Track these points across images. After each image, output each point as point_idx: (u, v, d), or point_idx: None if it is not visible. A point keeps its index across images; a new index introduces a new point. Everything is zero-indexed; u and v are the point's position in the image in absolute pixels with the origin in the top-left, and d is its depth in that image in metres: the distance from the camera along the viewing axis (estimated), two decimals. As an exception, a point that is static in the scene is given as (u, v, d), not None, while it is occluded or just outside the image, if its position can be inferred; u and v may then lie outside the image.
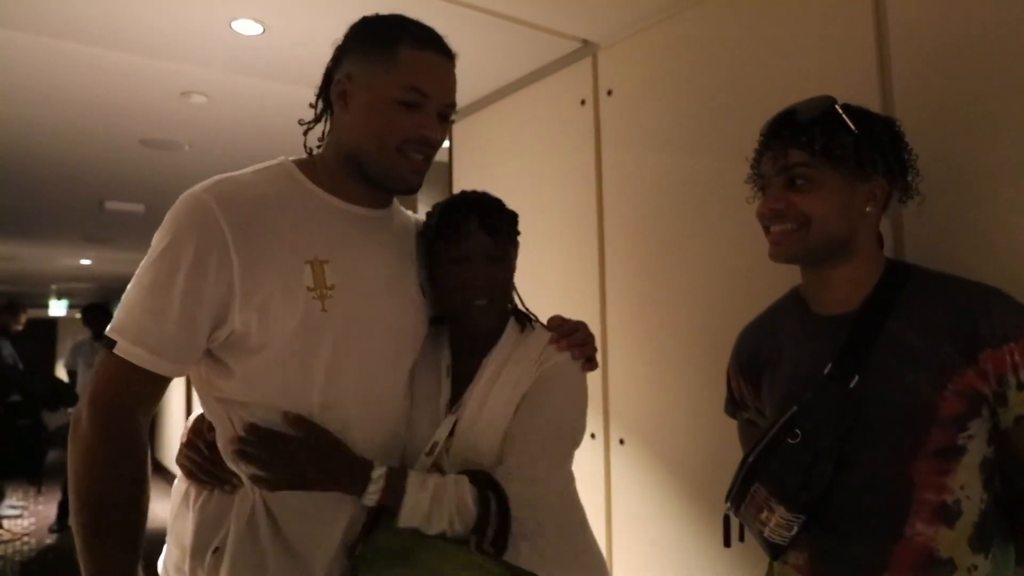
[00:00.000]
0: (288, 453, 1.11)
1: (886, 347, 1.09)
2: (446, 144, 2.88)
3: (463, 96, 2.57)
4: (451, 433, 1.25)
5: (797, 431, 1.11)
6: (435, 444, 1.23)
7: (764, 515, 1.13)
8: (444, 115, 1.21)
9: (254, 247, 1.09)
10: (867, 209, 1.15)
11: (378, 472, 1.13)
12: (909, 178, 1.18)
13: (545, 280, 2.19)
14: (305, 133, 1.25)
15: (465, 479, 1.15)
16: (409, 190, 1.22)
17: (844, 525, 1.09)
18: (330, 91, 1.20)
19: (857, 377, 1.09)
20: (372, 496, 1.12)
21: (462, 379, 1.30)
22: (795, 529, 1.11)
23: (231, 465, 1.16)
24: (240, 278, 1.07)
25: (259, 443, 1.11)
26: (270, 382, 1.12)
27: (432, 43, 1.18)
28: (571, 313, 1.49)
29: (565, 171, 2.19)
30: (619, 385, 1.98)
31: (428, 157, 1.20)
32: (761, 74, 1.65)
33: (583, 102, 2.13)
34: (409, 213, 1.39)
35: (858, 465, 1.08)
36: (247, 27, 1.98)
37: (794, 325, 1.25)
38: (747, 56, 1.69)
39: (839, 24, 1.51)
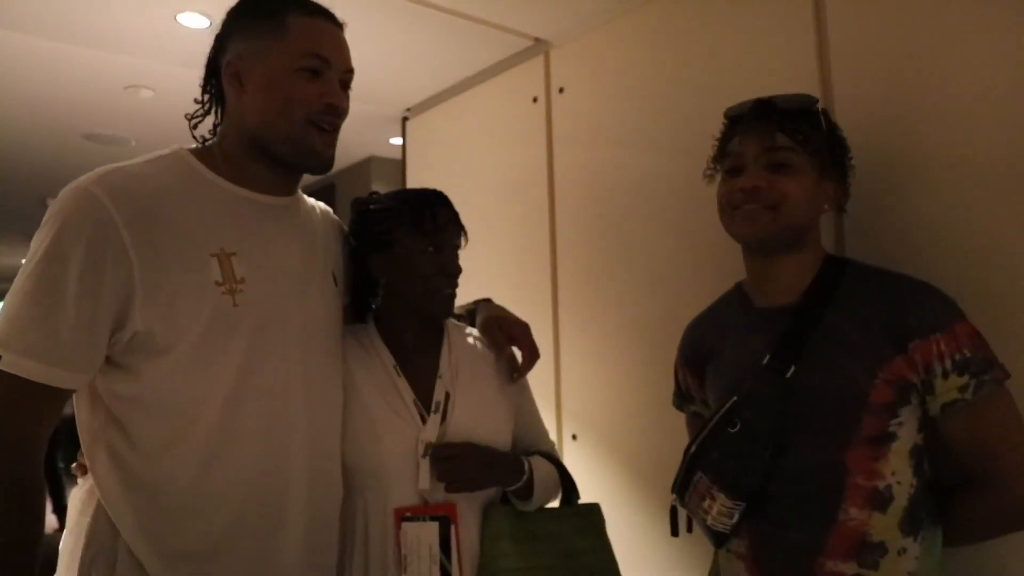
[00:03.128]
0: (474, 459, 1.27)
1: (822, 338, 1.13)
2: (399, 141, 2.88)
3: (417, 93, 2.58)
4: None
5: (736, 420, 1.14)
6: (428, 444, 1.26)
7: (706, 503, 1.16)
8: (345, 83, 1.18)
9: (153, 242, 1.02)
10: (824, 207, 1.21)
11: (525, 462, 1.32)
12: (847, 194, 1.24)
13: (497, 276, 2.20)
14: (194, 128, 1.19)
15: (540, 457, 1.38)
16: (323, 165, 1.17)
17: (782, 511, 1.12)
18: (220, 78, 1.15)
19: (794, 367, 1.12)
20: (522, 482, 1.30)
21: (419, 375, 1.33)
22: (736, 516, 1.14)
23: (100, 491, 1.06)
24: (140, 276, 1.00)
25: (452, 452, 1.25)
26: (178, 381, 1.05)
27: (319, 10, 1.15)
28: (523, 309, 1.51)
29: (517, 168, 2.20)
30: (571, 381, 2.00)
31: (337, 128, 1.17)
32: (709, 73, 1.68)
33: (535, 99, 2.14)
34: (313, 201, 1.34)
35: (795, 452, 1.12)
36: (193, 20, 1.95)
37: (736, 318, 1.28)
38: (695, 56, 1.72)
39: (782, 26, 1.55)
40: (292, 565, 1.14)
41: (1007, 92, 1.21)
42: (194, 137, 1.20)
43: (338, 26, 1.18)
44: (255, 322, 1.10)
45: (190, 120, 1.19)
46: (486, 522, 1.31)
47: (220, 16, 1.87)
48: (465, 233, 1.37)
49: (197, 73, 1.19)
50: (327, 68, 1.13)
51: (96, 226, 0.99)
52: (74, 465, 1.18)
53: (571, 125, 2.05)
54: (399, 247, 1.30)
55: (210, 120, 1.21)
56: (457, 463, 1.25)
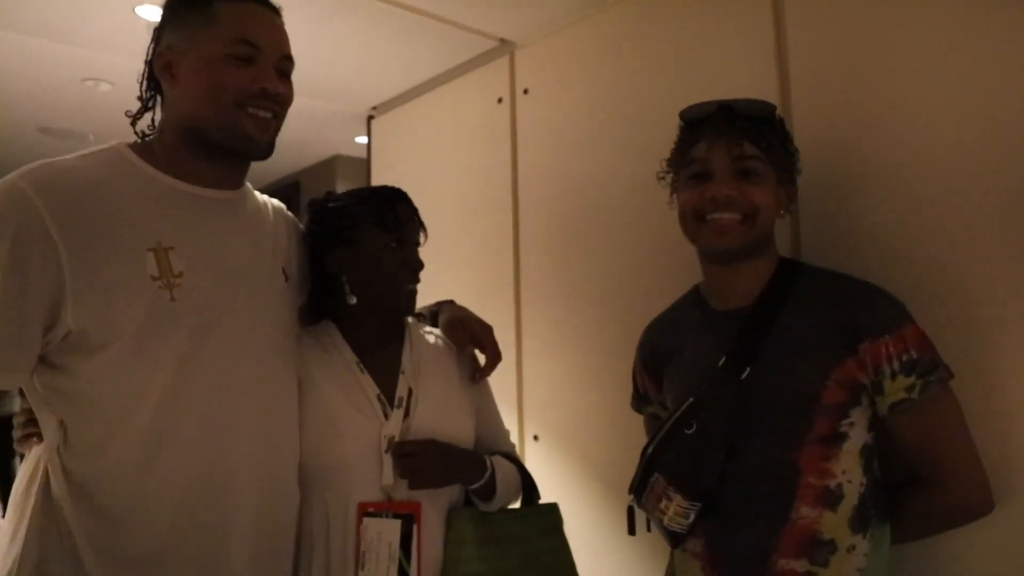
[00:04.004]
0: (436, 455, 1.26)
1: (776, 340, 1.15)
2: (364, 140, 2.86)
3: (382, 92, 2.57)
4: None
5: (693, 422, 1.15)
6: (391, 439, 1.25)
7: (663, 504, 1.17)
8: (283, 70, 1.16)
9: (85, 237, 0.99)
10: (782, 212, 1.23)
11: (487, 460, 1.32)
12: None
13: (461, 276, 2.20)
14: (133, 124, 1.17)
15: (501, 457, 1.38)
16: (259, 151, 1.14)
17: (736, 511, 1.14)
18: (154, 71, 1.13)
19: (749, 369, 1.14)
20: (484, 480, 1.30)
21: (382, 371, 1.32)
22: (692, 517, 1.15)
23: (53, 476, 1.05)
24: (71, 273, 0.98)
25: (413, 448, 1.24)
26: (114, 380, 1.03)
27: None
28: (486, 310, 1.52)
29: (482, 168, 2.20)
30: (533, 382, 2.01)
31: (276, 115, 1.15)
32: (672, 76, 1.70)
33: (500, 100, 2.15)
34: (264, 197, 1.32)
35: (749, 452, 1.13)
36: (152, 13, 1.91)
37: (694, 321, 1.30)
38: (659, 58, 1.74)
39: (743, 30, 1.57)
40: (242, 570, 1.11)
41: (957, 102, 1.25)
42: (135, 132, 1.17)
43: (273, 11, 1.15)
44: (195, 317, 1.08)
45: (130, 116, 1.17)
46: (450, 525, 1.30)
47: (179, 9, 1.83)
48: (425, 230, 1.38)
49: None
50: (259, 54, 1.11)
51: (22, 222, 0.97)
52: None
53: (535, 126, 2.06)
54: (362, 243, 1.30)
55: (151, 116, 1.19)
56: (419, 460, 1.24)
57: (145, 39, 1.96)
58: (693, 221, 1.21)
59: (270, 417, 1.18)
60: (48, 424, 1.06)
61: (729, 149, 1.17)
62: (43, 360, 1.03)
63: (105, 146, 1.12)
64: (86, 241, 1.00)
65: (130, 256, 1.03)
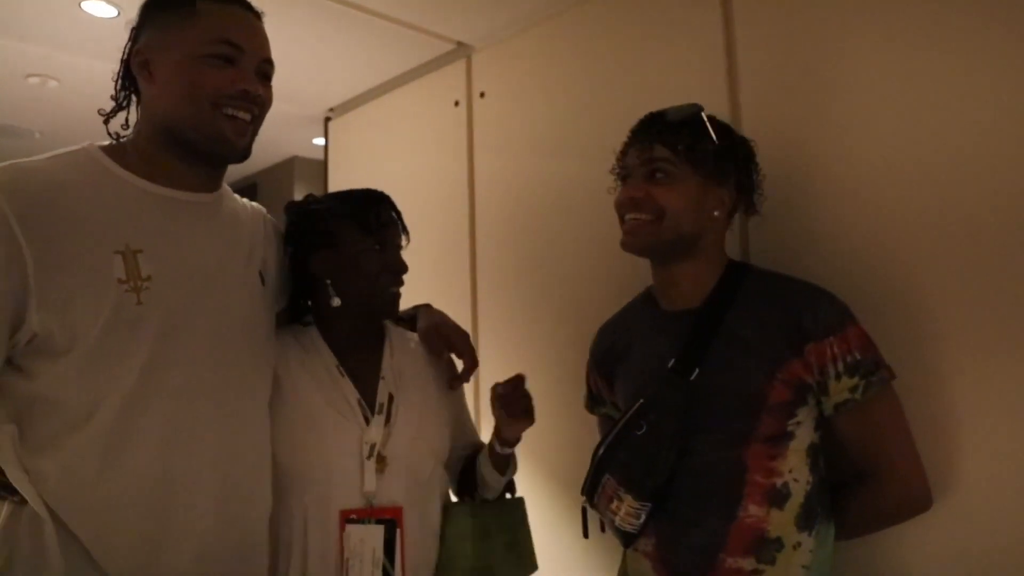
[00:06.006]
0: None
1: (724, 340, 1.17)
2: (321, 141, 2.84)
3: (339, 94, 2.55)
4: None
5: (643, 423, 1.16)
6: (373, 446, 1.24)
7: (614, 505, 1.18)
8: (263, 73, 1.15)
9: (51, 239, 0.98)
10: (715, 213, 1.23)
11: None
12: (754, 196, 1.28)
13: (417, 279, 2.16)
14: (106, 123, 1.15)
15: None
16: (237, 153, 1.14)
17: (686, 510, 1.15)
18: (131, 70, 1.12)
19: (698, 370, 1.15)
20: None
21: (361, 376, 1.31)
22: (643, 517, 1.16)
23: (15, 482, 1.01)
24: (35, 274, 0.96)
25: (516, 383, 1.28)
26: (77, 383, 1.00)
27: None
28: (443, 311, 1.51)
29: (439, 171, 2.20)
30: (490, 385, 2.00)
31: (255, 117, 1.14)
32: (626, 81, 1.72)
33: (457, 103, 2.15)
34: (244, 200, 1.30)
35: (698, 451, 1.15)
36: (99, 9, 1.87)
37: (644, 322, 1.31)
38: (613, 63, 1.76)
39: (694, 36, 1.60)
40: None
41: (904, 113, 1.28)
42: (108, 133, 1.15)
43: (255, 14, 1.15)
44: (162, 321, 1.06)
45: (103, 115, 1.14)
46: (449, 521, 1.33)
47: (128, 5, 1.80)
48: (407, 232, 1.37)
49: (104, 64, 1.15)
50: (240, 55, 1.10)
51: None
52: None
53: (492, 129, 2.06)
54: (344, 246, 1.28)
55: (124, 116, 1.16)
56: (525, 397, 1.30)
57: (91, 35, 1.92)
58: (620, 221, 1.26)
59: (237, 423, 1.15)
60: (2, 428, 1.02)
61: (641, 152, 1.22)
62: (8, 363, 1.01)
63: (75, 147, 1.10)
64: (52, 243, 0.98)
65: (97, 258, 1.02)
